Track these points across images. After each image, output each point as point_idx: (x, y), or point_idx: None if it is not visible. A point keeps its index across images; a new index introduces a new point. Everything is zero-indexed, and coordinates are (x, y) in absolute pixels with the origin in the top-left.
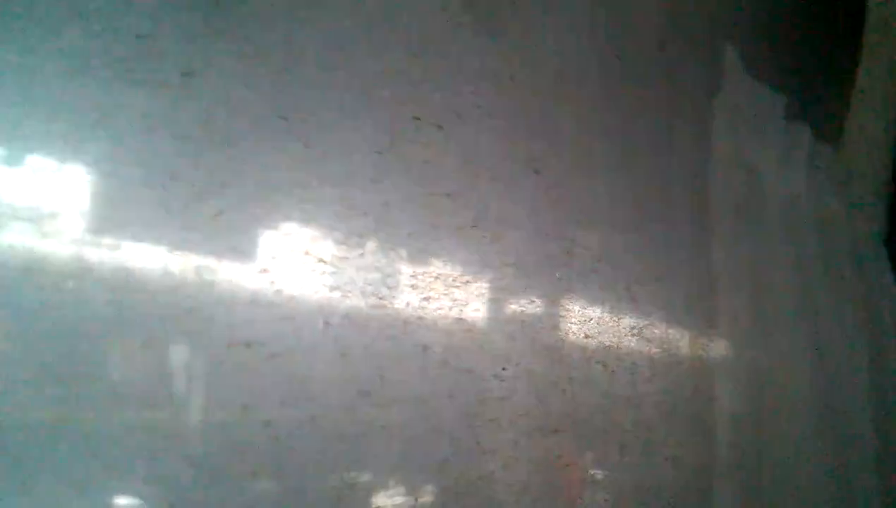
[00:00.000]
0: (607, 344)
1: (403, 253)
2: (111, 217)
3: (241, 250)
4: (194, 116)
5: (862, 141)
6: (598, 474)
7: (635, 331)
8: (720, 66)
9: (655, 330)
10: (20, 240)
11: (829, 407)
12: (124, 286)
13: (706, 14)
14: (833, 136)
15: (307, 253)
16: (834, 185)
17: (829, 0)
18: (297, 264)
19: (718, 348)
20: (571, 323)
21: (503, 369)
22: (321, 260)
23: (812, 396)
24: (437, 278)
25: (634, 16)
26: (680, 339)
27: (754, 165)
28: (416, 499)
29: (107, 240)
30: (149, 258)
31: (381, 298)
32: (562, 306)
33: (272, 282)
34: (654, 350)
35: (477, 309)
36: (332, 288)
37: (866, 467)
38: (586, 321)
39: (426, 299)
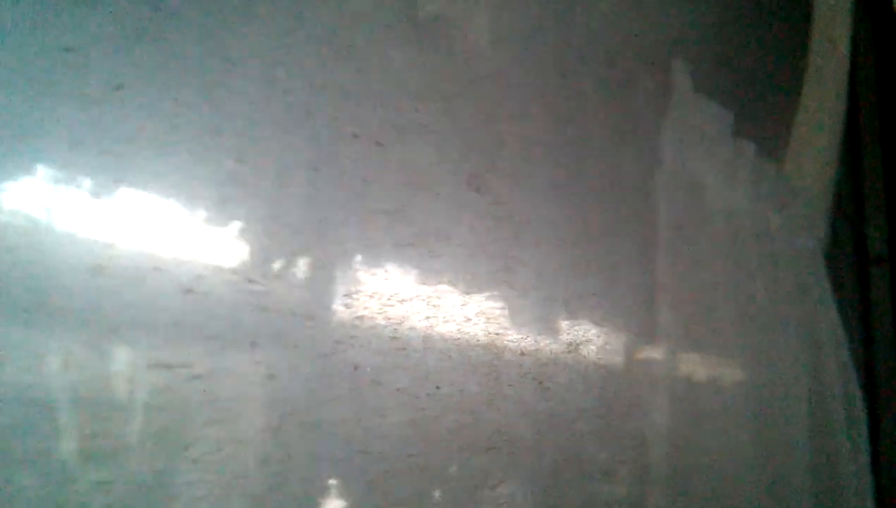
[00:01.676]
0: (543, 360)
1: (338, 271)
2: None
3: (166, 269)
4: (123, 131)
5: (806, 158)
6: (532, 490)
7: (572, 348)
8: (668, 84)
9: (592, 346)
10: None
11: (766, 417)
12: (41, 306)
13: (653, 33)
14: (777, 153)
15: (235, 271)
16: (776, 201)
17: (776, 19)
18: (224, 283)
19: (656, 362)
20: (508, 340)
21: (437, 388)
22: (250, 280)
23: (749, 407)
24: (371, 296)
25: (580, 35)
26: (617, 354)
27: (699, 181)
28: None
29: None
30: (69, 276)
31: (311, 318)
32: (498, 323)
33: (197, 302)
34: (590, 365)
35: (412, 328)
36: (261, 309)
37: (801, 476)
38: (523, 338)
39: (359, 318)
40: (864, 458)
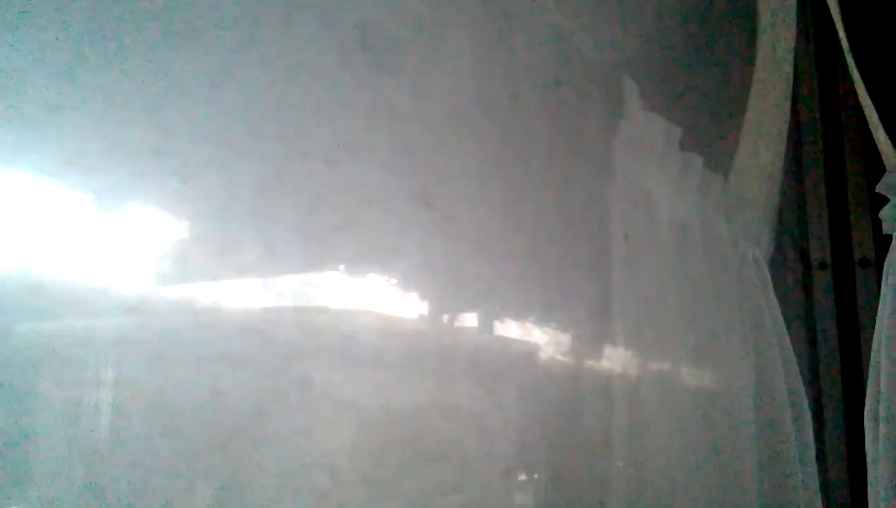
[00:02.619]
0: (495, 370)
1: (287, 288)
2: None
3: (109, 289)
4: (61, 153)
5: (751, 170)
6: (483, 499)
7: (523, 356)
8: (619, 101)
9: (544, 355)
10: None
11: (714, 420)
12: None
13: (603, 52)
14: (723, 166)
15: (181, 290)
16: (723, 211)
17: (722, 38)
18: (170, 302)
19: (606, 369)
20: (459, 352)
21: (388, 400)
22: (196, 298)
23: (697, 410)
24: (321, 312)
25: (527, 55)
26: (568, 363)
27: (649, 193)
28: None
29: None
30: (6, 299)
31: (260, 335)
32: (450, 336)
33: (142, 321)
34: (541, 374)
35: (363, 342)
36: (208, 327)
37: (749, 476)
38: (475, 349)
39: (310, 334)
40: (811, 457)
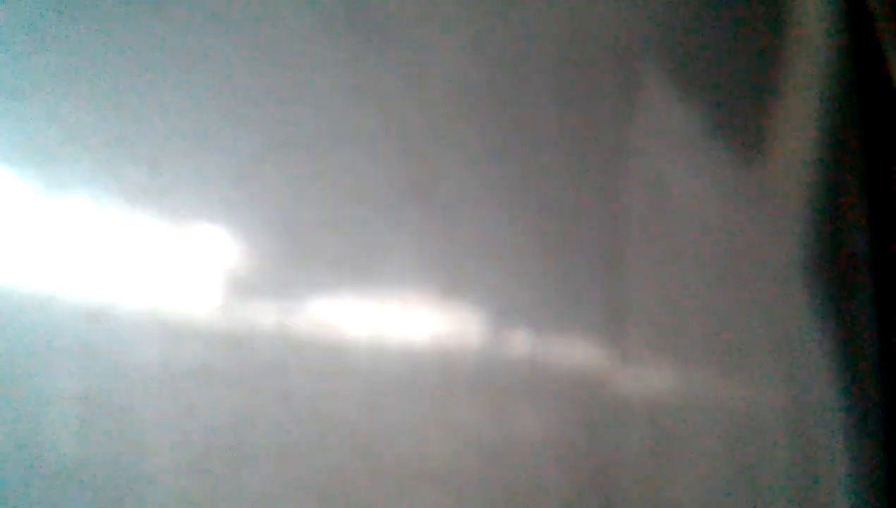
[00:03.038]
0: (498, 383)
1: (267, 291)
2: None
3: (69, 294)
4: (20, 141)
5: (781, 160)
6: None
7: (530, 367)
8: (635, 86)
9: (552, 365)
10: None
11: (740, 439)
12: None
13: (619, 33)
14: (751, 157)
15: (149, 295)
16: (750, 208)
17: (748, 16)
18: (137, 309)
19: (620, 382)
20: (459, 361)
21: (381, 415)
22: (166, 303)
23: (722, 430)
24: (307, 317)
25: (537, 33)
26: (578, 374)
27: (670, 186)
28: None
29: None
30: None
31: (237, 344)
32: (450, 343)
33: (108, 329)
34: (551, 385)
35: (353, 350)
36: (179, 336)
37: (780, 498)
38: (476, 359)
39: (294, 342)
40: (850, 476)
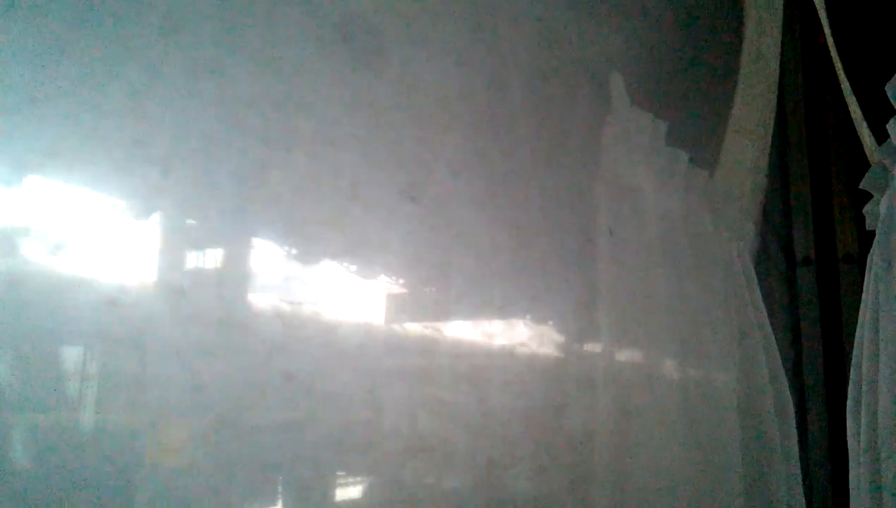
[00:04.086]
0: (479, 364)
1: (270, 281)
2: None
3: (88, 281)
4: (41, 143)
5: (736, 165)
6: (467, 491)
7: (507, 350)
8: (606, 96)
9: (527, 349)
10: None
11: (697, 413)
12: None
13: (588, 47)
14: (709, 162)
15: (162, 283)
16: (708, 207)
17: (708, 33)
18: (149, 295)
19: (590, 362)
20: (443, 344)
21: (370, 393)
22: (178, 291)
23: (679, 404)
24: (305, 305)
25: (513, 49)
26: (552, 356)
27: (635, 188)
28: None
29: None
30: None
31: (242, 327)
32: (434, 328)
33: (121, 314)
34: (524, 367)
35: (346, 335)
36: (189, 319)
37: (730, 463)
38: (458, 343)
39: (293, 326)
40: (794, 451)
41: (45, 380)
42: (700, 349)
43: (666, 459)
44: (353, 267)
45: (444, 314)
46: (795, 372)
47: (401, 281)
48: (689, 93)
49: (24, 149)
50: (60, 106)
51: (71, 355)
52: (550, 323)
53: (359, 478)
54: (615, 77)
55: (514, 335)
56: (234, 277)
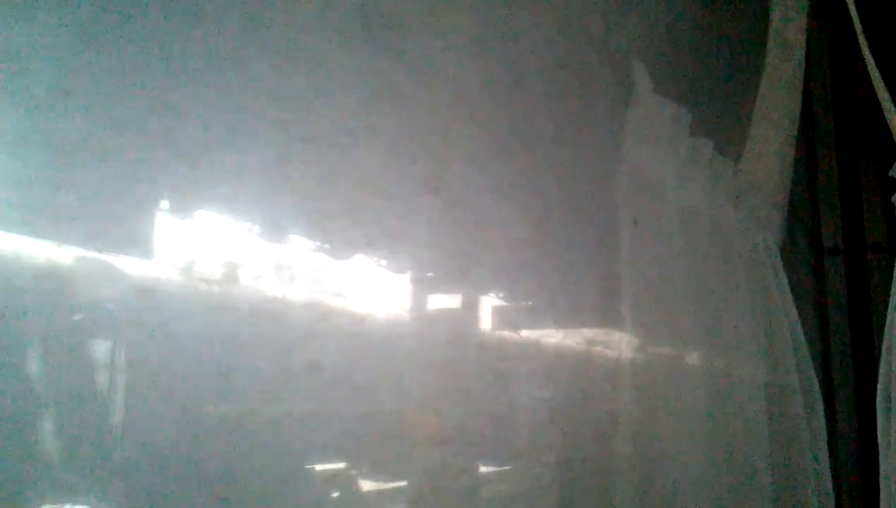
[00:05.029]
0: (503, 354)
1: (297, 271)
2: None
3: (121, 271)
4: (69, 136)
5: (762, 154)
6: (490, 478)
7: (532, 341)
8: (627, 84)
9: (552, 339)
10: None
11: (722, 406)
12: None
13: (606, 35)
14: (734, 150)
15: (193, 273)
16: (733, 196)
17: (733, 19)
18: (180, 285)
19: (614, 353)
20: (467, 335)
21: (397, 383)
22: (207, 281)
23: (704, 397)
24: (332, 295)
25: (531, 38)
26: (576, 346)
27: (658, 178)
28: None
29: None
30: (20, 278)
31: (271, 317)
32: (458, 320)
33: (153, 304)
34: (549, 358)
35: (372, 326)
36: (218, 308)
37: (757, 456)
38: (482, 334)
39: (320, 316)
40: (822, 444)
41: (79, 369)
42: (725, 340)
43: (691, 451)
44: (377, 258)
45: (466, 306)
46: (824, 365)
47: (424, 272)
48: (713, 82)
49: (52, 141)
50: (87, 100)
51: (104, 344)
52: (574, 313)
53: (383, 468)
54: (637, 65)
55: (540, 325)
56: (263, 267)
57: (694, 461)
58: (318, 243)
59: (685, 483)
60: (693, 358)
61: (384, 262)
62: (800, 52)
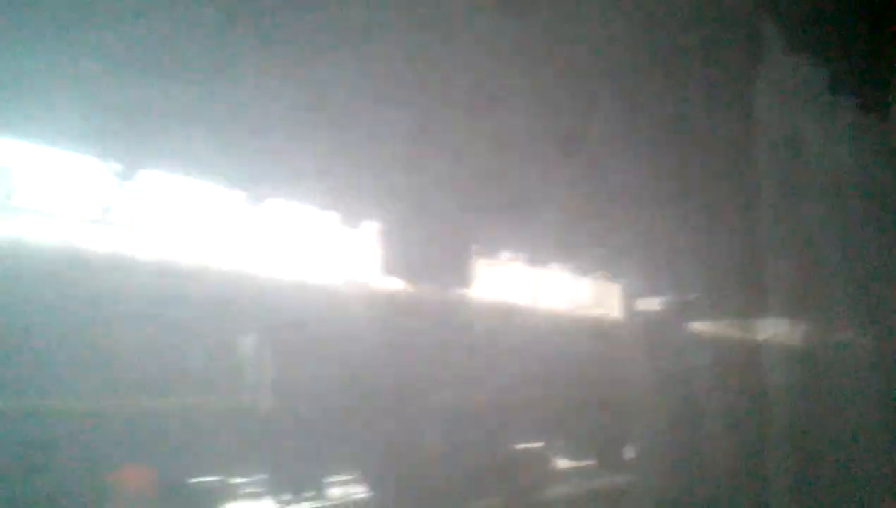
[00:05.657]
0: (651, 320)
1: (440, 235)
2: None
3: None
4: (228, 109)
5: None
6: (650, 446)
7: (680, 306)
8: (761, 41)
9: (701, 305)
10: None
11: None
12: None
13: None
14: (879, 107)
15: (341, 238)
16: (881, 156)
17: None
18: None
19: (768, 322)
20: (613, 300)
21: (543, 348)
22: (358, 244)
23: (871, 370)
24: (476, 259)
25: None
26: (725, 313)
27: (798, 138)
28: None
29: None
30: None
31: (415, 281)
32: (604, 283)
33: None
34: (700, 324)
35: (517, 290)
36: (378, 271)
37: None
38: (629, 298)
39: (465, 280)
40: None
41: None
42: (884, 311)
43: (859, 427)
44: (517, 222)
45: (611, 269)
46: None
47: (565, 235)
48: (850, 35)
49: (213, 113)
50: (240, 74)
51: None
52: (720, 278)
53: (543, 429)
54: (768, 21)
55: (685, 290)
56: (409, 230)
57: (860, 437)
58: (459, 207)
59: (851, 461)
60: (853, 331)
61: (525, 225)
62: None
